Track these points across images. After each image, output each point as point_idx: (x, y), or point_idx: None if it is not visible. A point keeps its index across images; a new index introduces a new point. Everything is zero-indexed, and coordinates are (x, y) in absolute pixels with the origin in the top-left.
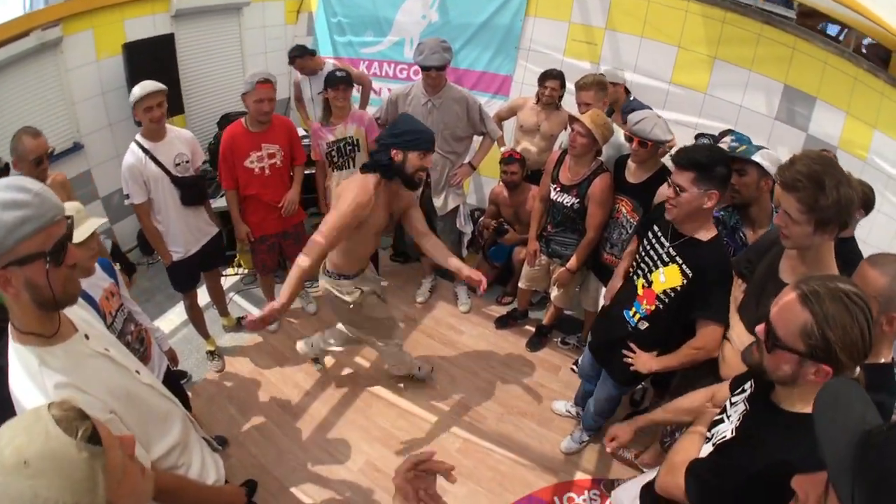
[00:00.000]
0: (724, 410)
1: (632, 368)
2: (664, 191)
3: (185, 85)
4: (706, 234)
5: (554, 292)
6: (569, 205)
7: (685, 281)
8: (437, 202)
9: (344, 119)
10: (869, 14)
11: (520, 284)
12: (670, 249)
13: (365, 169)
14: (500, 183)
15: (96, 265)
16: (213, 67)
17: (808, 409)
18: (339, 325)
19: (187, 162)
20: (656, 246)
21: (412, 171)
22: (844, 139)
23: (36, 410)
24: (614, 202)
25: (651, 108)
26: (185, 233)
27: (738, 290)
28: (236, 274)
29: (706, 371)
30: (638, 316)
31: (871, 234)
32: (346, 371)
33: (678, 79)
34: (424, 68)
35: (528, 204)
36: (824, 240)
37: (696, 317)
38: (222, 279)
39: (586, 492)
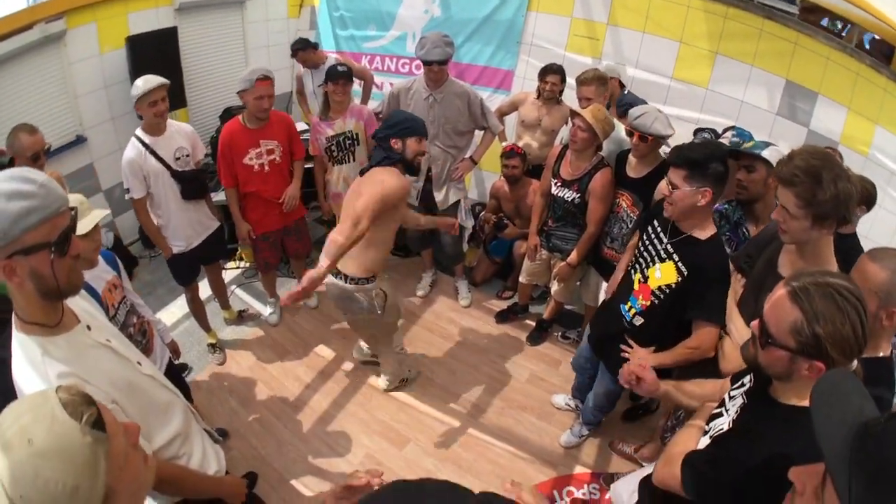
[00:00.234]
0: (722, 404)
1: (627, 365)
2: (663, 187)
3: (187, 78)
4: (704, 233)
5: (554, 287)
6: (569, 199)
7: (680, 279)
8: (439, 197)
9: (343, 113)
10: (872, 10)
11: (520, 279)
12: (668, 246)
13: (374, 163)
14: (501, 177)
15: (99, 257)
16: (216, 61)
17: (805, 403)
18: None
19: (188, 156)
20: (655, 242)
21: (412, 156)
22: (846, 135)
23: (43, 393)
24: (615, 197)
25: (646, 101)
26: (186, 227)
27: (738, 284)
28: (238, 267)
29: (704, 368)
30: (633, 311)
31: (873, 230)
32: (347, 365)
33: (680, 74)
34: (426, 63)
35: (528, 198)
36: (822, 234)
37: (691, 317)
38: (224, 272)
39: (586, 485)
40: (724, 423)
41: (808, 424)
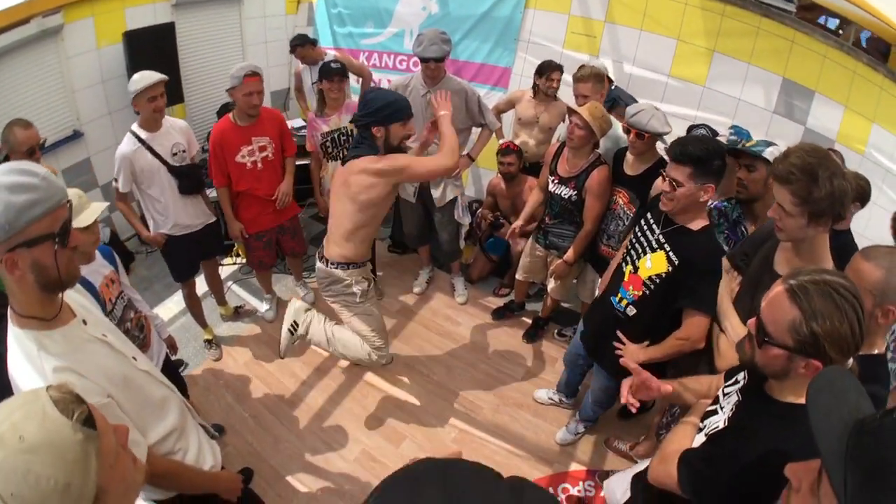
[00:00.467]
0: (716, 401)
1: (621, 360)
2: (660, 183)
3: (185, 74)
4: (697, 224)
5: (551, 284)
6: (566, 197)
7: (670, 268)
8: (436, 193)
9: (338, 110)
10: (869, 8)
11: (517, 276)
12: (660, 236)
13: (354, 153)
14: (498, 175)
15: (96, 252)
16: (214, 57)
17: (801, 400)
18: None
19: (184, 151)
20: (647, 233)
21: (398, 142)
22: (843, 133)
23: (35, 391)
24: (612, 194)
25: (633, 96)
26: (185, 218)
27: (734, 282)
28: (234, 264)
29: (700, 361)
30: (625, 301)
31: (869, 228)
32: (343, 361)
33: (677, 72)
34: (423, 59)
35: (525, 195)
36: (818, 232)
37: (682, 305)
38: (220, 269)
39: (581, 482)
40: (719, 421)
41: (805, 421)
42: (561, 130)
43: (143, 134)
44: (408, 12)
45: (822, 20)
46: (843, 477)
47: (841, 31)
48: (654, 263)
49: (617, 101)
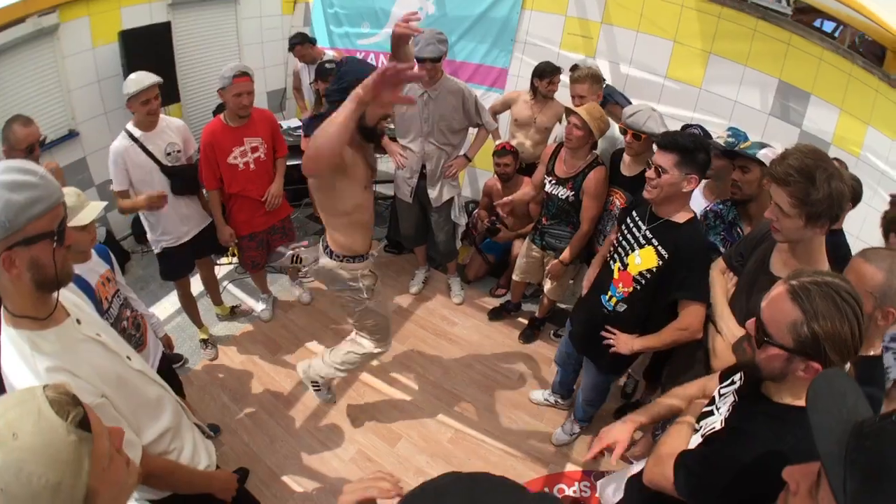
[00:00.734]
0: (712, 402)
1: (612, 350)
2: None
3: (181, 74)
4: (682, 217)
5: (547, 285)
6: (563, 197)
7: (661, 262)
8: (433, 194)
9: None
10: (865, 11)
11: (513, 277)
12: (647, 232)
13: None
14: (495, 175)
15: (92, 251)
16: (210, 57)
17: (798, 402)
18: (344, 347)
19: (179, 151)
20: (633, 230)
21: (374, 122)
22: (838, 135)
23: (31, 389)
24: (609, 195)
25: (625, 94)
26: (177, 222)
27: (729, 283)
28: (230, 263)
29: (695, 362)
30: (615, 300)
31: (864, 231)
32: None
33: (673, 73)
34: (420, 60)
35: None
36: (815, 233)
37: (677, 297)
38: (216, 268)
39: (577, 483)
40: (715, 422)
41: (802, 423)
42: (558, 131)
43: (136, 132)
44: (404, 13)
45: (818, 23)
46: (843, 480)
47: (837, 35)
48: (644, 259)
49: (608, 98)
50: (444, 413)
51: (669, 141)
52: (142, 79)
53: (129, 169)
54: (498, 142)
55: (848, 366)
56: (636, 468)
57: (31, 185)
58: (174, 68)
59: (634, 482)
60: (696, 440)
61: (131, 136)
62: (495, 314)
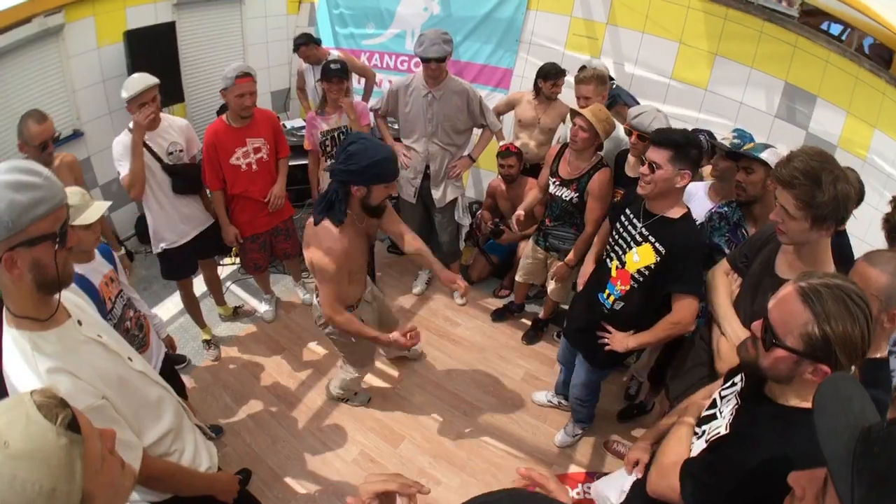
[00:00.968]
0: (714, 405)
1: (607, 348)
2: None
3: (185, 73)
4: (677, 212)
5: (551, 286)
6: (567, 199)
7: (658, 258)
8: (436, 194)
9: (339, 109)
10: (872, 14)
11: (517, 278)
12: (643, 230)
13: (320, 213)
14: (499, 176)
15: (95, 251)
16: (214, 56)
17: (804, 404)
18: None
19: (181, 151)
20: (629, 228)
21: (378, 202)
22: (844, 138)
23: (18, 396)
24: (613, 196)
25: (633, 95)
26: (178, 222)
27: (734, 285)
28: (233, 263)
29: (699, 363)
30: (612, 297)
31: (869, 234)
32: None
33: (679, 75)
34: (425, 60)
35: (525, 197)
36: (821, 236)
37: (671, 291)
38: (219, 269)
39: (580, 485)
40: (720, 427)
41: (808, 425)
42: (562, 132)
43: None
44: (409, 13)
45: (825, 26)
46: (851, 486)
47: (843, 38)
48: (642, 256)
49: (616, 98)
50: (447, 414)
51: (663, 137)
52: (135, 83)
53: None
54: (502, 143)
55: (853, 369)
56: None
57: (35, 185)
58: (178, 68)
59: (637, 488)
60: (699, 446)
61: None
62: (498, 315)
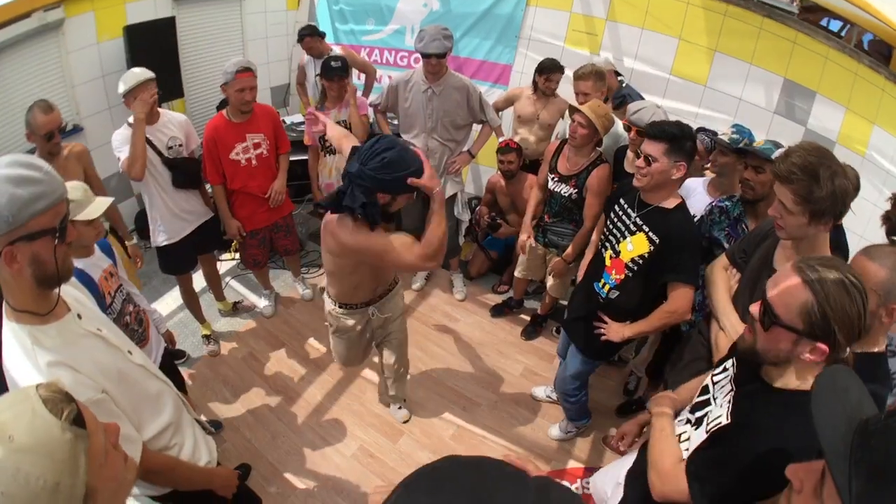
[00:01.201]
0: (706, 391)
1: (603, 338)
2: (637, 160)
3: (185, 69)
4: (671, 202)
5: (550, 282)
6: (566, 195)
7: (652, 248)
8: None
9: (338, 105)
10: (871, 10)
11: (516, 273)
12: (637, 219)
13: (336, 210)
14: (498, 172)
15: (95, 246)
16: (214, 52)
17: (803, 386)
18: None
19: (180, 145)
20: (623, 217)
21: (397, 208)
22: (843, 134)
23: (24, 389)
24: (612, 191)
25: (643, 96)
26: (174, 218)
27: (732, 279)
28: (233, 259)
29: (698, 358)
30: (608, 287)
31: (868, 230)
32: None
33: (678, 70)
34: (425, 55)
35: (525, 193)
36: (819, 231)
37: (666, 280)
38: (219, 264)
39: (579, 480)
40: (720, 416)
41: (805, 407)
42: (561, 128)
43: None
44: (409, 9)
45: (824, 22)
46: (849, 479)
47: (843, 34)
48: (636, 245)
49: (627, 98)
50: (446, 409)
51: (658, 130)
52: (132, 77)
53: None
54: (501, 139)
55: (848, 351)
56: (629, 459)
57: (36, 180)
58: (178, 63)
59: (632, 478)
60: (699, 434)
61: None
62: (497, 311)
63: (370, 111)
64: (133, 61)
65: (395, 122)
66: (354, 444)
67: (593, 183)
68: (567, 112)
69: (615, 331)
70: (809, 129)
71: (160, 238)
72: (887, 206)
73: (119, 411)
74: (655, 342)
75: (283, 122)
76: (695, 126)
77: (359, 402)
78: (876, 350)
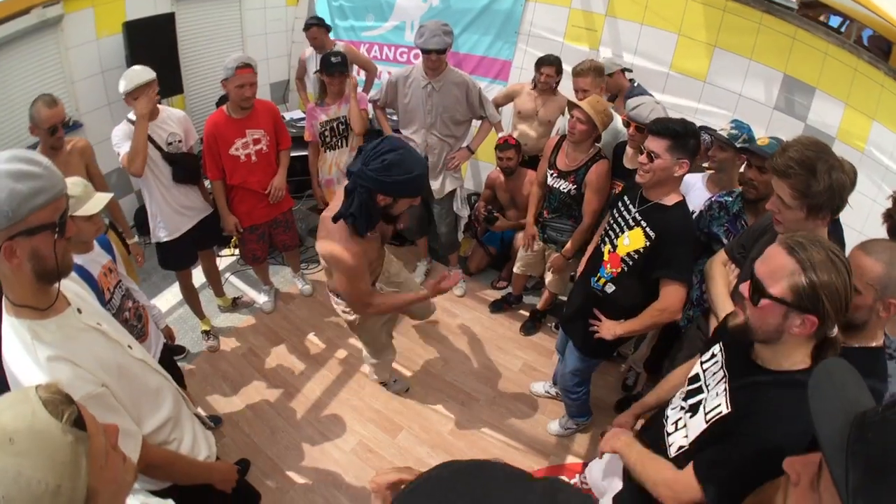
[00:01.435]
0: (696, 379)
1: (596, 336)
2: (640, 157)
3: (184, 65)
4: (671, 199)
5: (549, 278)
6: (565, 191)
7: (647, 243)
8: (435, 185)
9: (338, 100)
10: (871, 5)
11: (515, 269)
12: (636, 214)
13: (337, 217)
14: (497, 168)
15: (94, 242)
16: (213, 48)
17: (796, 366)
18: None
19: (180, 141)
20: (623, 213)
21: (399, 212)
22: (843, 130)
23: (24, 391)
24: (611, 187)
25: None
26: (174, 214)
27: (731, 275)
28: (233, 255)
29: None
30: (603, 280)
31: (867, 226)
32: (341, 353)
33: (678, 66)
34: (425, 51)
35: (524, 189)
36: (817, 225)
37: (658, 276)
38: (218, 259)
39: (577, 476)
40: (718, 404)
41: (801, 386)
42: (561, 124)
43: None
44: (409, 5)
45: (823, 18)
46: (846, 472)
47: (842, 30)
48: (632, 240)
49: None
50: (444, 405)
51: (661, 127)
52: (134, 77)
53: None
54: (500, 135)
55: (836, 331)
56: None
57: (36, 175)
58: (178, 59)
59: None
60: (697, 422)
61: (133, 124)
62: (496, 306)
63: (370, 107)
64: (132, 57)
65: (395, 117)
66: (353, 439)
67: (592, 179)
68: (566, 108)
69: (608, 328)
70: (809, 125)
71: (160, 234)
72: (887, 203)
73: (118, 405)
74: (654, 338)
75: (283, 117)
76: (695, 122)
77: (358, 397)
78: (874, 345)
